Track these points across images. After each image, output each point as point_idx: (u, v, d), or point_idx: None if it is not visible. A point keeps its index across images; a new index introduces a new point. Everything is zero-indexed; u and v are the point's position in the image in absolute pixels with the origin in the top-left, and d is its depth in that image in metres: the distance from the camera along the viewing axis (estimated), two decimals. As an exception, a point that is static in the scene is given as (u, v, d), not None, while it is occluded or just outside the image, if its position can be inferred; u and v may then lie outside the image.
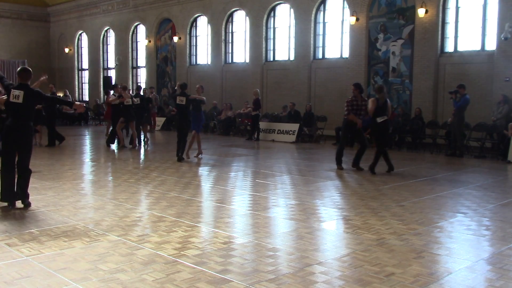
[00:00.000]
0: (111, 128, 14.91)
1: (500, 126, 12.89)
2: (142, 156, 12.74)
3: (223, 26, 21.67)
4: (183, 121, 11.45)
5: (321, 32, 18.61)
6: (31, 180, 7.78)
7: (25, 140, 6.54)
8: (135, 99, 14.08)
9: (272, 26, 20.16)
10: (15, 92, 6.47)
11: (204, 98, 11.84)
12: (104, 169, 10.66)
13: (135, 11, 25.53)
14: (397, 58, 16.24)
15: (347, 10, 17.55)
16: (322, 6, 18.44)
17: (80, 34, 29.70)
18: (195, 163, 11.36)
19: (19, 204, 6.59)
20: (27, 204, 6.58)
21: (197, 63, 23.35)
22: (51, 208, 6.59)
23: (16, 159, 6.59)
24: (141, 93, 15.36)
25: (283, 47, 19.89)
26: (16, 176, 6.59)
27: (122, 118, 13.85)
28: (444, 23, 15.40)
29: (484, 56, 14.54)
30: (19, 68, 6.83)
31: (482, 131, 13.49)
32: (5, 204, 6.57)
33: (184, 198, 7.34)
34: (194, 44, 23.40)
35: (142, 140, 14.54)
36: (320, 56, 18.67)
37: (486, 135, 13.60)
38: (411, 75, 15.88)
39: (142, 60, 26.07)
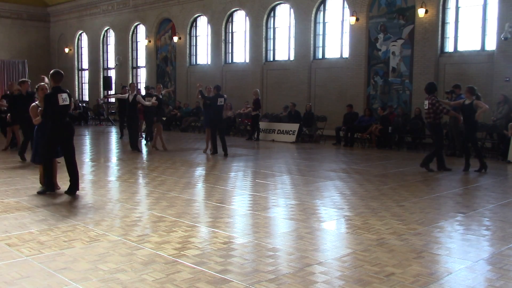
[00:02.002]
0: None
1: (500, 126, 12.87)
2: (142, 156, 12.73)
3: (223, 26, 21.66)
4: (222, 120, 12.57)
5: (321, 32, 18.60)
6: (32, 180, 7.79)
7: (73, 137, 7.48)
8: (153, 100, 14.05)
9: (272, 26, 20.15)
10: (63, 95, 7.13)
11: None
12: (104, 169, 10.66)
13: (135, 11, 25.52)
14: (397, 58, 16.24)
15: (347, 10, 17.54)
16: (322, 6, 18.43)
17: (80, 34, 29.69)
18: (195, 163, 11.36)
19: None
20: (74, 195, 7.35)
21: (197, 63, 23.34)
22: (51, 208, 6.60)
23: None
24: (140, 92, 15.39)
25: (283, 47, 19.88)
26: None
27: (155, 118, 13.83)
28: (444, 23, 15.39)
29: (484, 56, 14.54)
30: (53, 71, 7.26)
31: (482, 131, 13.47)
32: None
33: (184, 198, 7.34)
34: (194, 44, 23.39)
35: (145, 139, 14.59)
36: (320, 56, 18.66)
37: (486, 135, 13.59)
38: (411, 75, 15.87)
39: (142, 60, 26.06)
